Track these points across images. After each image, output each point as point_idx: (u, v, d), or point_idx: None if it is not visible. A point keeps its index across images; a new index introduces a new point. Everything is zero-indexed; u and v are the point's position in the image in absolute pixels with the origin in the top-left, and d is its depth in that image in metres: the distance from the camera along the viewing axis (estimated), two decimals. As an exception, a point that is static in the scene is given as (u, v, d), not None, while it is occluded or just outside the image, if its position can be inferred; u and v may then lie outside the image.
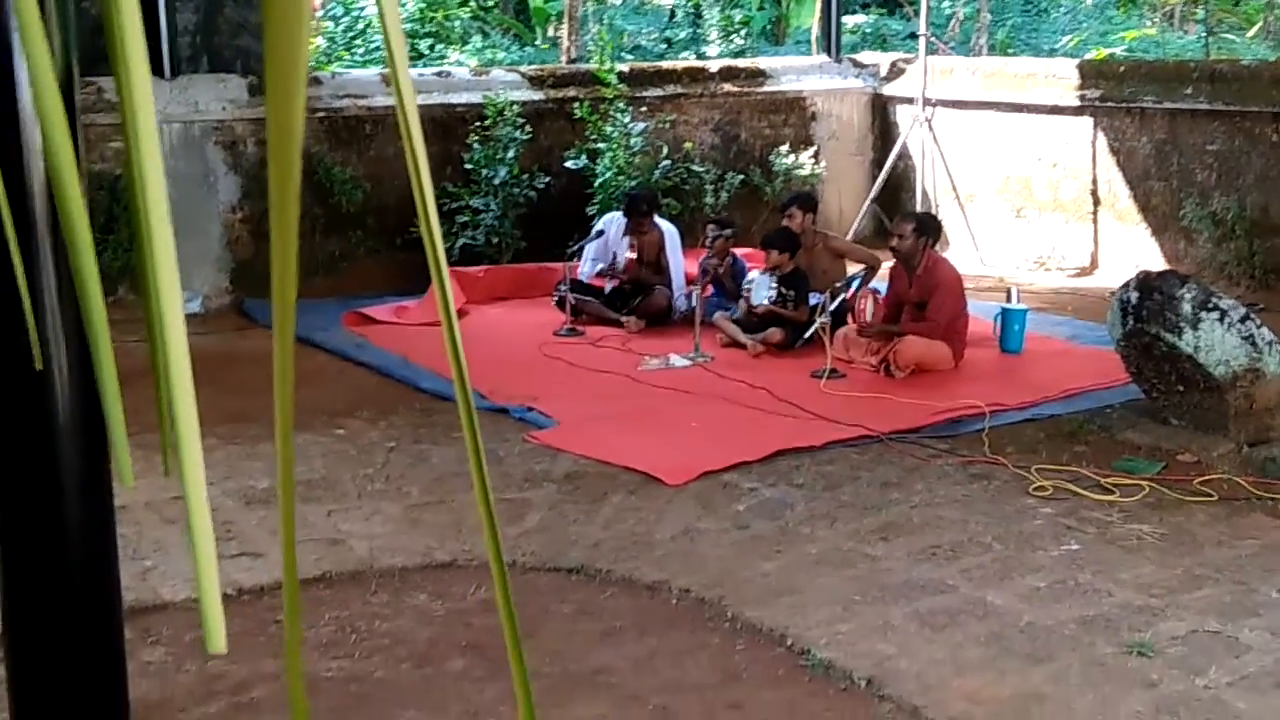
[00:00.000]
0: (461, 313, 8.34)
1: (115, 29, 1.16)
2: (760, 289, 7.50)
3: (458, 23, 16.12)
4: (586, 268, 8.31)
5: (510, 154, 9.06)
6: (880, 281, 7.73)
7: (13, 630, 1.70)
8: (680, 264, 8.24)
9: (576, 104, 9.56)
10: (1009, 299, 7.49)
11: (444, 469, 5.57)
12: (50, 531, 1.68)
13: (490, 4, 17.60)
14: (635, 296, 8.14)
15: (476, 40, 16.01)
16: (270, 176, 0.82)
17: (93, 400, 1.66)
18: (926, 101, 10.19)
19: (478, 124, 9.13)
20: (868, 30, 18.02)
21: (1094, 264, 9.57)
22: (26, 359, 1.50)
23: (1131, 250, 9.21)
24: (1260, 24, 16.71)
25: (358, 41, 14.42)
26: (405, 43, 0.82)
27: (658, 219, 8.41)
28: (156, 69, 8.23)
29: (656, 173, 9.48)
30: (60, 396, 1.63)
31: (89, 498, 1.71)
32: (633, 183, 9.11)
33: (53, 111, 1.02)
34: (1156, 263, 8.68)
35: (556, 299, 8.06)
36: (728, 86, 10.41)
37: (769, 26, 18.77)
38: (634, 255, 8.12)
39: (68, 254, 1.10)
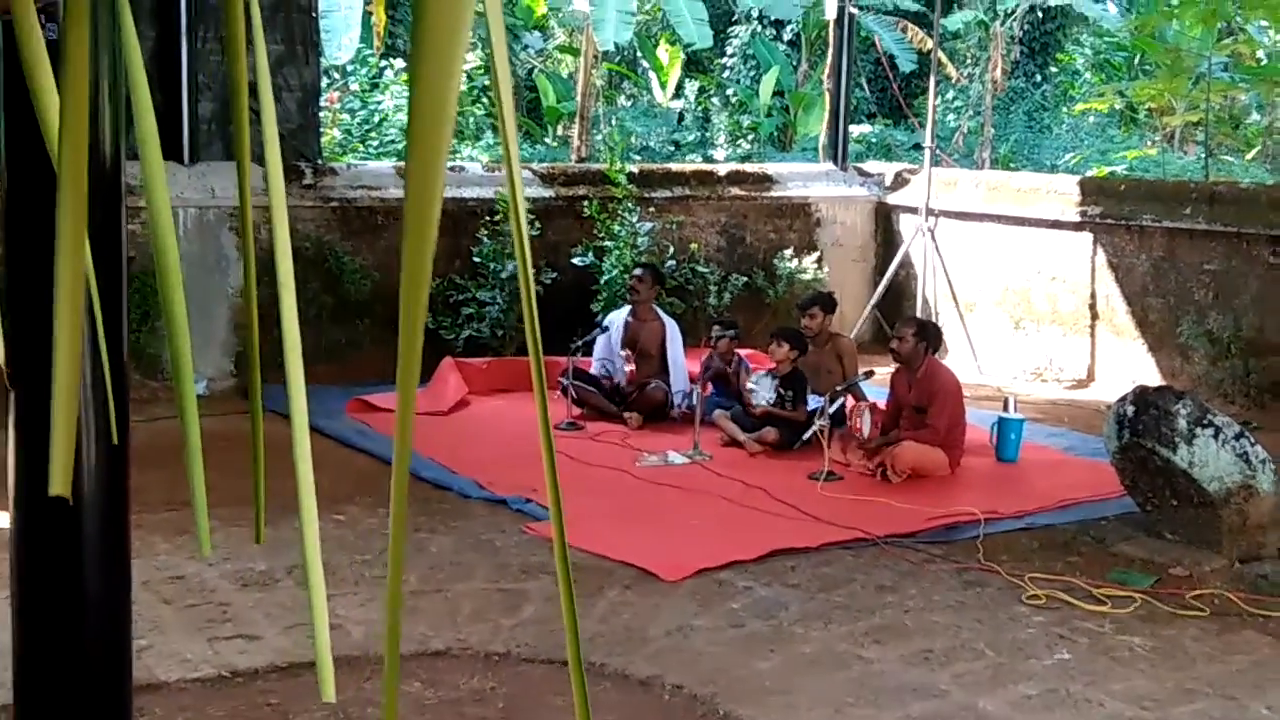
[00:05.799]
0: (463, 403, 8.42)
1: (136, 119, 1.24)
2: (761, 390, 7.57)
3: (471, 119, 16.40)
4: (595, 367, 8.43)
5: (516, 249, 9.19)
6: (880, 388, 7.82)
7: (24, 702, 1.73)
8: (681, 360, 8.34)
9: (586, 202, 9.72)
10: (1006, 408, 7.57)
11: (441, 558, 5.60)
12: (69, 607, 1.72)
13: (503, 102, 17.90)
14: (633, 391, 8.22)
15: (489, 136, 16.28)
16: (404, 265, 0.87)
17: (117, 478, 1.72)
18: (930, 212, 10.36)
19: (487, 218, 9.28)
20: (873, 140, 18.33)
21: (1091, 377, 9.67)
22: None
23: (1128, 365, 9.31)
24: (1259, 147, 16.99)
25: (372, 134, 14.67)
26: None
27: (660, 311, 8.55)
28: (176, 155, 8.39)
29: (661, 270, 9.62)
30: (86, 473, 1.68)
31: (108, 574, 1.76)
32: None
33: (161, 207, 1.09)
34: (1153, 378, 8.77)
35: (561, 388, 8.11)
36: (735, 190, 10.59)
37: (776, 133, 19.09)
38: (633, 368, 8.21)
39: (168, 337, 1.16)
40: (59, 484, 1.06)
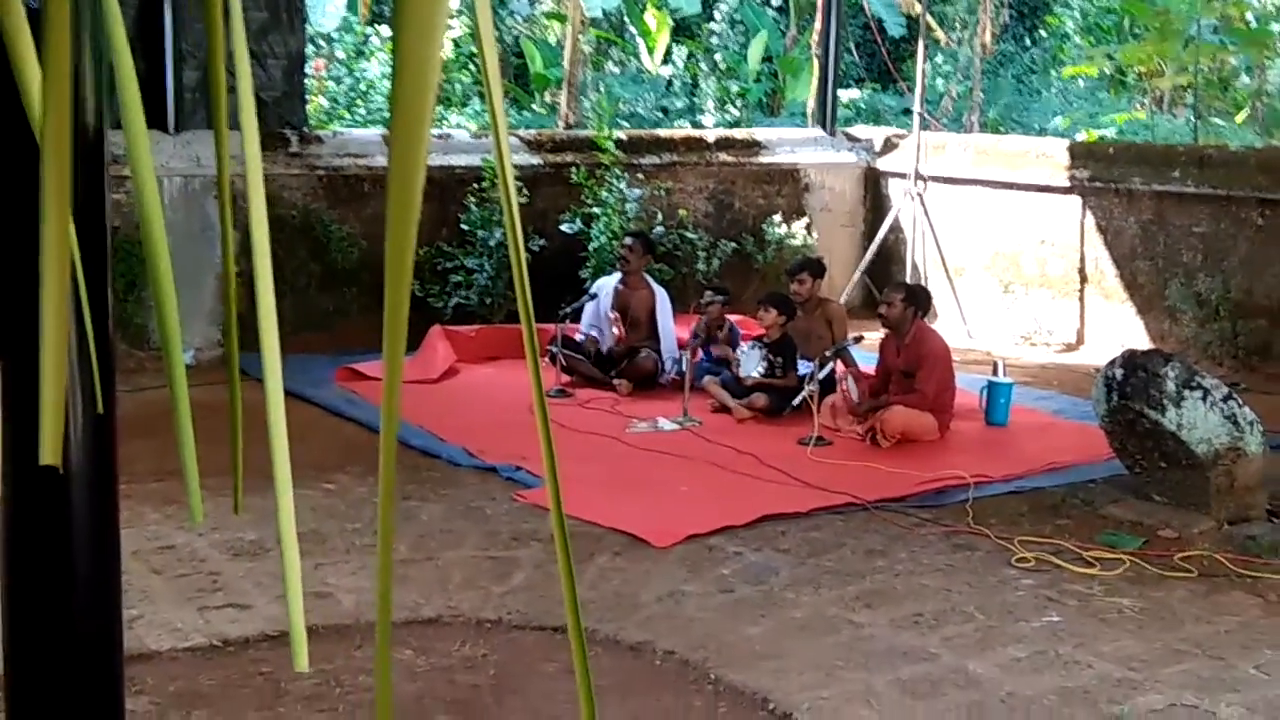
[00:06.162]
0: (452, 371, 8.41)
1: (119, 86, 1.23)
2: (749, 362, 7.57)
3: (458, 85, 16.31)
4: (582, 334, 8.42)
5: (505, 216, 9.16)
6: (869, 352, 7.83)
7: (14, 677, 1.73)
8: (670, 328, 8.33)
9: (573, 169, 9.68)
10: (995, 372, 7.58)
11: (431, 526, 5.61)
12: (58, 580, 1.71)
13: (490, 68, 17.76)
14: (623, 359, 8.21)
15: (476, 103, 16.19)
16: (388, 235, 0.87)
17: (105, 448, 1.71)
18: (919, 176, 10.34)
19: (475, 186, 9.24)
20: (861, 105, 18.26)
21: (1080, 340, 9.68)
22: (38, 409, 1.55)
23: (1117, 328, 9.32)
24: (1248, 110, 16.97)
25: (359, 102, 14.59)
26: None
27: (649, 279, 8.53)
28: (161, 124, 8.34)
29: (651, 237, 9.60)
30: (74, 443, 1.67)
31: (97, 546, 1.75)
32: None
33: (146, 176, 1.08)
34: (1141, 341, 8.79)
35: (550, 356, 8.09)
36: (723, 156, 10.55)
37: (765, 99, 19.01)
38: (619, 332, 8.20)
39: (158, 309, 1.16)
40: (49, 453, 1.06)
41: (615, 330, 8.22)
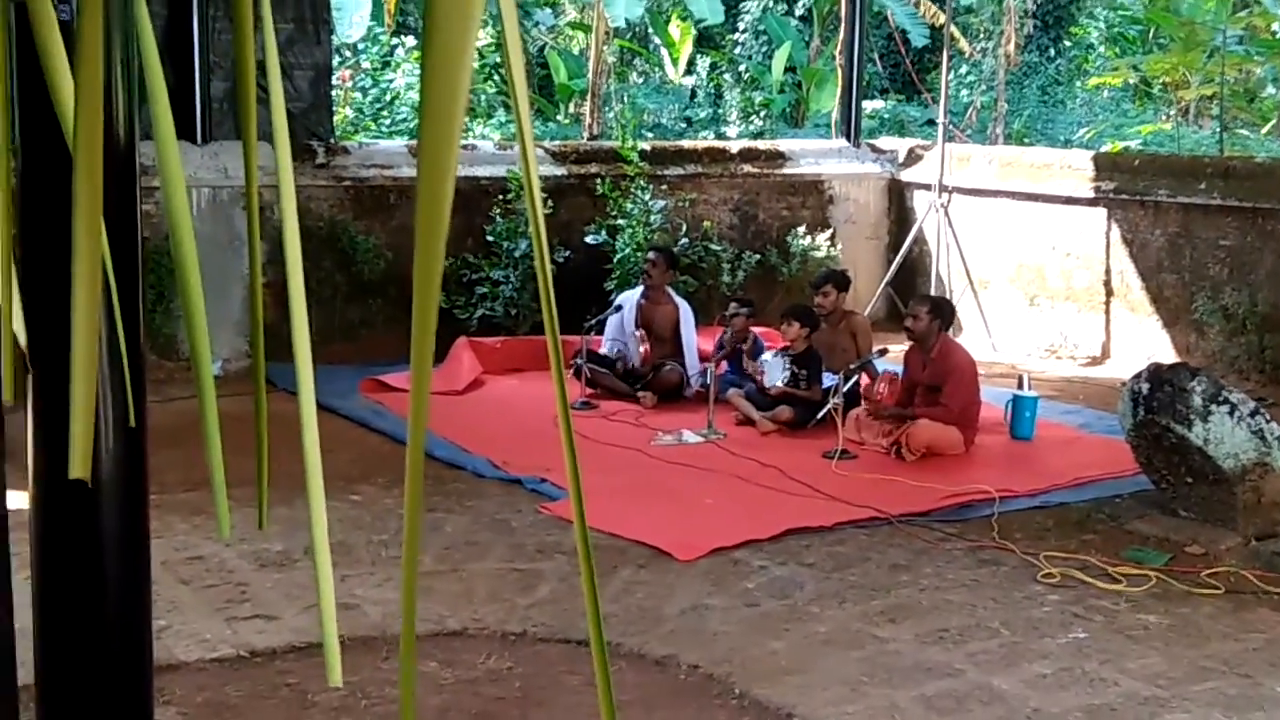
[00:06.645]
0: (477, 383, 8.42)
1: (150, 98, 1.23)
2: (774, 371, 7.56)
3: (483, 97, 16.37)
4: (606, 346, 8.43)
5: (531, 227, 9.18)
6: (895, 364, 7.80)
7: (46, 686, 1.73)
8: (694, 341, 8.33)
9: (598, 180, 9.70)
10: (1020, 386, 7.54)
11: (456, 538, 5.61)
12: (89, 591, 1.72)
13: (515, 80, 17.81)
14: (648, 372, 8.21)
15: (500, 114, 16.25)
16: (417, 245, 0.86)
17: (135, 459, 1.72)
18: (943, 188, 10.32)
19: (500, 197, 9.26)
20: (886, 115, 18.24)
21: (1105, 354, 9.63)
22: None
23: (1143, 341, 9.27)
24: (1275, 121, 16.89)
25: (384, 113, 14.65)
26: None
27: (673, 294, 8.53)
28: (189, 135, 8.39)
29: (675, 250, 9.60)
30: (104, 456, 1.67)
31: (127, 558, 1.76)
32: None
33: (176, 187, 1.08)
34: (1167, 354, 8.74)
35: (574, 369, 8.11)
36: (747, 167, 10.55)
37: (789, 109, 19.01)
38: (646, 348, 8.19)
39: (186, 319, 1.16)
40: (79, 466, 1.06)
41: (642, 347, 8.21)
